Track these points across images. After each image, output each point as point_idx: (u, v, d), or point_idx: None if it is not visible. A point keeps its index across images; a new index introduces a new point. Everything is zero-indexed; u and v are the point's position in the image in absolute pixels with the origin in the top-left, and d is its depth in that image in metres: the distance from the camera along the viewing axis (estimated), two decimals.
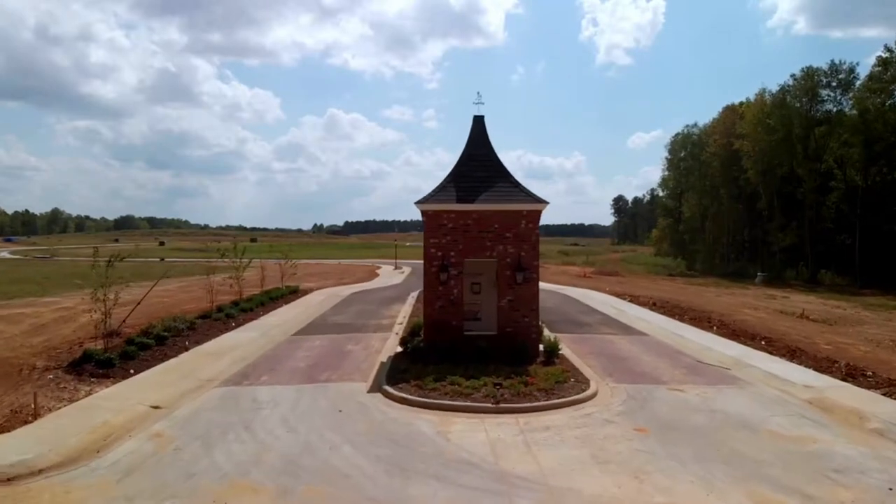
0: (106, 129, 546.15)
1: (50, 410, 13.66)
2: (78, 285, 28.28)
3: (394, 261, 73.42)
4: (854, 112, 66.21)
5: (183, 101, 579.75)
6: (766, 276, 68.58)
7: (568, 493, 9.60)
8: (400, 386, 15.06)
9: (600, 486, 9.85)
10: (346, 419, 13.17)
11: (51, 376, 16.65)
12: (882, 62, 63.14)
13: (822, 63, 70.69)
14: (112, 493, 9.68)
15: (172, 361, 18.63)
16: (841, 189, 68.73)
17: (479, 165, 19.42)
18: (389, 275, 57.47)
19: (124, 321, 22.62)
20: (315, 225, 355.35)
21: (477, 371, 15.93)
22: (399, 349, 19.40)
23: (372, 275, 57.32)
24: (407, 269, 61.78)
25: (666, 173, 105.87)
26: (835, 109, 70.39)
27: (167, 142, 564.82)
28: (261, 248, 54.98)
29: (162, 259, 79.70)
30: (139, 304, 24.71)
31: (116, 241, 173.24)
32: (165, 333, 21.11)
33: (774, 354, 20.36)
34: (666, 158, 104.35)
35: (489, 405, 13.73)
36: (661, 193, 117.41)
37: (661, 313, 30.37)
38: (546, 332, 22.30)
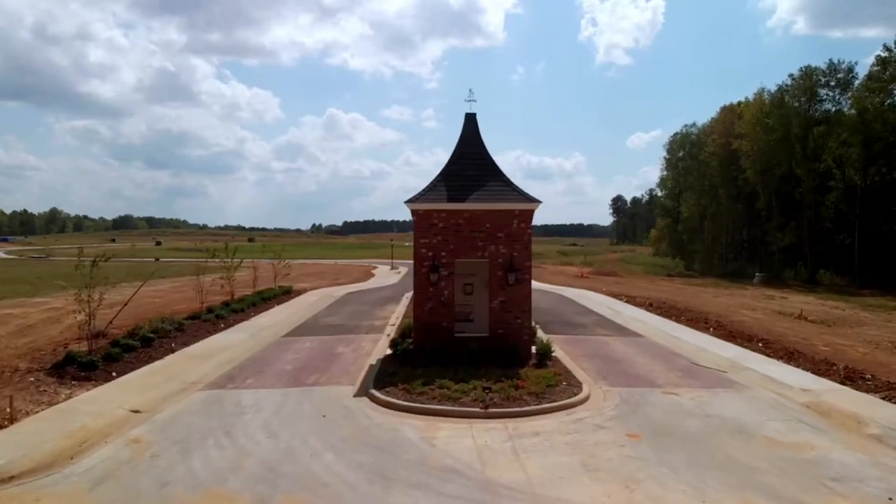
0: (105, 128, 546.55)
1: (28, 414, 13.30)
2: (61, 286, 27.85)
3: (390, 261, 73.10)
4: (853, 112, 65.98)
5: (182, 100, 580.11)
6: (765, 276, 68.28)
7: (555, 503, 9.25)
8: (387, 390, 14.69)
9: (589, 495, 9.49)
10: (330, 424, 12.80)
11: (32, 378, 16.27)
12: (881, 61, 62.87)
13: (821, 63, 70.49)
14: (83, 502, 9.36)
15: (157, 364, 18.26)
16: (840, 189, 68.42)
17: (470, 164, 19.06)
18: (385, 275, 57.13)
19: (111, 322, 22.25)
20: (314, 225, 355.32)
21: (467, 374, 15.57)
22: (389, 352, 19.02)
23: (368, 275, 56.99)
24: (403, 269, 61.42)
25: (664, 173, 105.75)
26: (833, 109, 70.25)
27: (166, 141, 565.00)
28: (253, 247, 54.62)
29: (157, 259, 79.31)
30: (126, 304, 24.35)
31: (113, 240, 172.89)
32: (152, 335, 20.71)
33: (772, 356, 20.00)
34: (664, 158, 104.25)
35: (478, 410, 13.36)
36: (659, 193, 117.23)
37: (658, 314, 30.01)
38: (540, 333, 22.01)
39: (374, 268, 67.43)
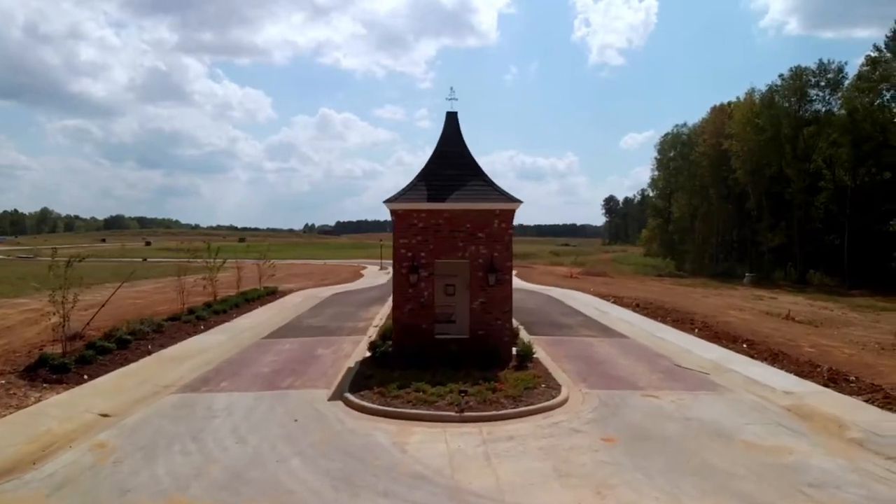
0: (96, 128, 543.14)
1: None
2: (35, 288, 27.48)
3: (380, 261, 72.76)
4: (843, 112, 66.06)
5: (174, 100, 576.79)
6: (755, 276, 68.27)
7: None
8: (362, 393, 14.40)
9: (559, 502, 9.26)
10: (301, 429, 12.51)
11: (3, 381, 15.92)
12: (870, 61, 62.97)
13: (813, 64, 70.49)
14: None
15: (132, 366, 17.94)
16: (830, 189, 68.52)
17: (451, 163, 18.80)
18: (374, 275, 56.79)
19: (88, 324, 21.91)
20: (306, 225, 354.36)
21: (445, 377, 15.30)
22: (368, 354, 18.72)
23: (356, 275, 56.66)
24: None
25: (655, 173, 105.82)
26: (823, 109, 70.41)
27: (158, 141, 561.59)
28: (237, 247, 54.10)
29: (144, 259, 78.60)
30: (104, 305, 23.99)
31: (103, 240, 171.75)
32: (129, 337, 20.35)
33: (756, 358, 19.79)
34: (655, 158, 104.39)
35: (453, 414, 13.10)
36: (651, 194, 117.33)
37: (644, 315, 29.81)
38: (523, 333, 21.81)
39: (364, 268, 67.10)
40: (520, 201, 18.26)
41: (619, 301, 35.50)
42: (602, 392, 15.35)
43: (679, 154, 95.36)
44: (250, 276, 37.78)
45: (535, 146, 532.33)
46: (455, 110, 19.48)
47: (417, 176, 18.63)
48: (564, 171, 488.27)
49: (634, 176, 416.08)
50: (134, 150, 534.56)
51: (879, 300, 47.82)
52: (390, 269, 60.59)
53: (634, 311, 31.41)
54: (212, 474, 10.23)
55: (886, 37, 61.22)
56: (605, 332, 24.88)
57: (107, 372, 17.13)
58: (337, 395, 14.79)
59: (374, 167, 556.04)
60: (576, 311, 31.12)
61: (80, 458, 11.02)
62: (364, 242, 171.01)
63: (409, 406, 13.50)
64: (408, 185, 18.41)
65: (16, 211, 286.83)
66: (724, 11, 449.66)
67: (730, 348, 21.31)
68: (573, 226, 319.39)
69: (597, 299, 36.61)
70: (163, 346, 20.53)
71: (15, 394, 15.05)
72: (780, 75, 72.66)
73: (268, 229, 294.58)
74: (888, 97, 63.29)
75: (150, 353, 19.58)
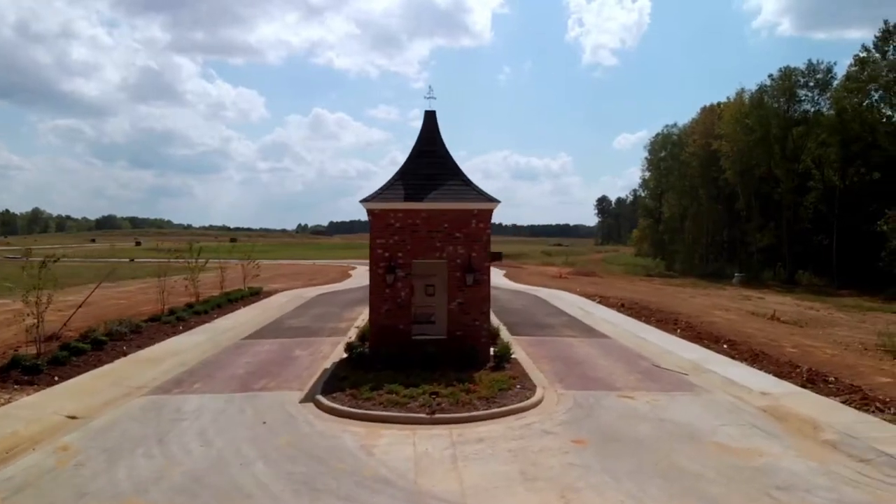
0: (88, 127, 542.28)
1: None
2: (8, 288, 27.17)
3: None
4: (832, 112, 66.21)
5: (166, 99, 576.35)
6: (744, 276, 68.36)
7: None
8: (334, 395, 14.20)
9: None
10: (268, 432, 12.31)
11: None
12: (859, 62, 63.08)
13: (804, 64, 70.61)
14: None
15: (106, 367, 17.71)
16: (819, 189, 68.67)
17: (429, 163, 18.62)
18: (363, 275, 56.29)
19: (65, 324, 21.67)
20: (299, 225, 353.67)
21: (420, 378, 15.12)
22: (345, 355, 18.53)
23: (344, 275, 56.46)
24: None
25: (646, 173, 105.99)
26: (812, 109, 70.62)
27: (150, 141, 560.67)
28: (223, 248, 53.81)
29: (132, 259, 78.03)
30: (81, 306, 23.74)
31: (93, 241, 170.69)
32: (104, 338, 20.13)
33: (736, 358, 19.70)
34: (646, 159, 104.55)
35: (423, 416, 12.93)
36: (642, 194, 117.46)
37: (629, 315, 29.70)
38: (505, 333, 21.69)
39: (353, 268, 66.89)
40: (497, 201, 18.12)
41: (604, 301, 35.39)
42: (578, 393, 15.20)
43: (669, 154, 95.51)
44: (236, 277, 37.50)
45: (529, 146, 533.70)
46: (433, 109, 19.33)
47: (395, 175, 18.46)
48: (558, 171, 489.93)
49: (627, 176, 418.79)
50: (126, 150, 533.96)
51: (867, 300, 47.95)
52: None
53: (619, 311, 31.30)
54: (172, 478, 10.04)
55: (875, 37, 61.38)
56: (588, 332, 24.73)
57: (79, 373, 16.91)
58: (309, 398, 14.59)
59: (367, 167, 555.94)
60: (561, 311, 30.96)
61: (43, 460, 10.81)
62: (356, 242, 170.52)
63: (381, 408, 13.32)
64: (385, 185, 18.23)
65: (7, 211, 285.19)
66: (717, 12, 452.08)
67: (711, 348, 21.22)
68: (566, 226, 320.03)
69: (583, 299, 36.48)
70: (140, 347, 20.29)
71: None
72: (770, 75, 72.95)
73: (260, 229, 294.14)
74: (877, 97, 63.52)
75: (125, 354, 19.34)
